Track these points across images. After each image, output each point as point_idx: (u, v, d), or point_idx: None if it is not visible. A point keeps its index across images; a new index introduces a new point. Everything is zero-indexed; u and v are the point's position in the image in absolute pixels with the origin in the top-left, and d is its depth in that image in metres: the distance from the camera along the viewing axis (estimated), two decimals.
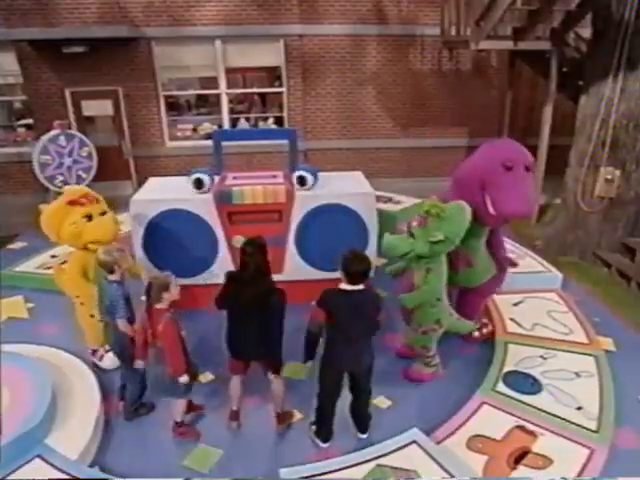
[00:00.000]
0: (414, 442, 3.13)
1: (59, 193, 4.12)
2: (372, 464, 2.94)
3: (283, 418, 3.60)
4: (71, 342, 4.40)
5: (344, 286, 3.07)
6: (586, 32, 7.08)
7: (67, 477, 2.91)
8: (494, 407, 3.57)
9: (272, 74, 10.09)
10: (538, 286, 5.25)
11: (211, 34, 9.39)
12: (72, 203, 4.00)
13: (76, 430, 3.38)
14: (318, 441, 3.40)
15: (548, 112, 7.42)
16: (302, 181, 4.87)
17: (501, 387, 3.78)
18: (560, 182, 7.07)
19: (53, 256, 5.97)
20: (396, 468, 2.92)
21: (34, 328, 4.77)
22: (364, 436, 3.45)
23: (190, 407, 3.61)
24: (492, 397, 3.67)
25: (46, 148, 8.03)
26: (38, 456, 3.10)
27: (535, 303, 5.00)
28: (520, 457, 3.17)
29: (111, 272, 3.46)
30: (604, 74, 6.16)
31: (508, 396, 3.68)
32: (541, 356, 4.17)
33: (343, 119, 10.25)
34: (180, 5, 9.21)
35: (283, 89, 9.93)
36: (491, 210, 3.73)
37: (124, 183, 9.66)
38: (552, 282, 5.35)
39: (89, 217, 4.00)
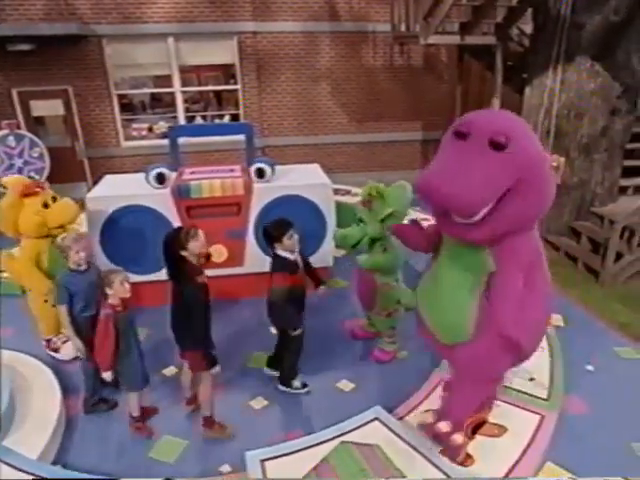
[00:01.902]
0: (376, 419, 3.21)
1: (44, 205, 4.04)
2: (336, 442, 3.00)
3: (209, 424, 3.39)
4: (28, 344, 4.28)
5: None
6: (529, 27, 7.40)
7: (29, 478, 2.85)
8: None
9: (226, 72, 10.01)
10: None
11: (163, 31, 9.25)
12: (27, 194, 3.94)
13: (36, 429, 3.29)
14: (305, 390, 3.77)
15: (496, 105, 7.70)
16: (260, 173, 4.90)
17: None
18: None
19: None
20: (360, 444, 2.99)
21: None
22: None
23: (145, 410, 3.55)
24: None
25: None
26: None
27: None
28: (477, 427, 3.31)
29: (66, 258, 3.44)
30: (545, 66, 6.44)
31: None
32: None
33: (299, 115, 10.29)
34: (131, 2, 9.02)
35: (238, 87, 9.89)
36: None
37: (79, 185, 9.38)
38: None
39: (45, 205, 3.98)
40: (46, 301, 3.99)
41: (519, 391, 3.62)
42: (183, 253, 3.05)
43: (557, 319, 4.68)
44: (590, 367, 4.03)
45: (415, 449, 2.98)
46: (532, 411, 3.43)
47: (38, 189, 4.04)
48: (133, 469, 3.11)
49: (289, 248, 3.49)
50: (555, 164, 6.42)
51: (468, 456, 3.07)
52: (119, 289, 3.10)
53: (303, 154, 10.20)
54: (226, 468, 3.09)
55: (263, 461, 2.89)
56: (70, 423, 3.54)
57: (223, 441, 3.34)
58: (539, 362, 3.95)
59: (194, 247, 3.07)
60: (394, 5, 8.38)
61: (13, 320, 4.62)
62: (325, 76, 10.06)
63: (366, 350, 4.34)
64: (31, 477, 2.85)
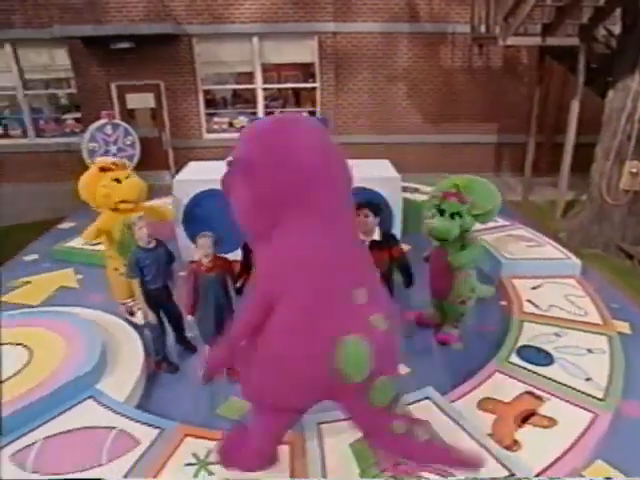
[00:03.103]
0: (427, 398, 3.41)
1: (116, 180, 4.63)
2: None
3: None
4: (116, 308, 4.86)
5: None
6: (617, 28, 7.20)
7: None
8: (506, 375, 3.80)
9: (305, 71, 10.46)
10: (557, 272, 5.43)
11: (249, 31, 9.84)
12: (103, 169, 4.53)
13: (123, 378, 3.80)
14: None
15: (575, 107, 7.54)
16: None
17: (514, 358, 4.00)
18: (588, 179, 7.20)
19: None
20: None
21: (83, 296, 5.25)
22: None
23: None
24: (505, 367, 3.89)
25: (94, 136, 8.63)
26: (90, 397, 3.53)
27: (553, 287, 5.17)
28: (527, 417, 3.41)
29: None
30: (632, 69, 6.28)
31: (520, 366, 3.91)
32: (555, 334, 4.36)
33: (374, 114, 10.54)
34: (220, 3, 9.68)
35: (317, 85, 10.30)
36: None
37: (163, 173, 10.19)
38: (571, 269, 5.50)
39: (118, 180, 4.51)
40: (116, 269, 4.58)
41: (573, 388, 3.66)
42: None
43: (623, 326, 4.62)
44: None
45: (463, 428, 3.15)
46: (585, 408, 3.46)
47: (113, 166, 4.61)
48: (201, 420, 3.50)
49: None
50: (635, 170, 6.32)
51: (515, 442, 3.20)
52: (197, 253, 3.61)
53: (375, 152, 10.33)
54: None
55: (319, 424, 3.18)
56: (149, 378, 4.04)
57: None
58: (598, 364, 3.96)
59: None
60: (474, 5, 8.42)
61: (104, 288, 5.25)
62: (402, 76, 10.24)
63: (423, 339, 4.54)
64: (118, 415, 3.34)
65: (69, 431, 3.22)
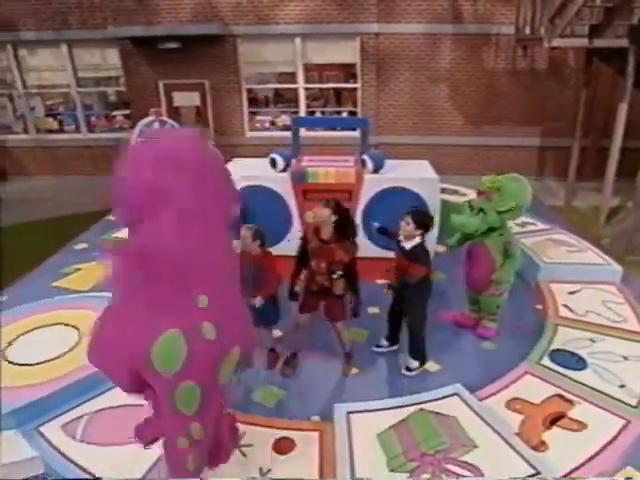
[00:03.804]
0: (456, 394, 3.49)
1: None
2: (416, 407, 3.33)
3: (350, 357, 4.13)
4: None
5: (420, 240, 3.74)
6: None
7: None
8: (537, 377, 3.82)
9: (347, 71, 10.58)
10: (596, 278, 5.36)
11: (292, 32, 10.03)
12: None
13: None
14: (424, 367, 4.09)
15: (622, 110, 7.37)
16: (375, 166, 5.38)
17: (546, 361, 4.02)
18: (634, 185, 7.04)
19: None
20: (437, 413, 3.29)
21: None
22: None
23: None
24: (536, 369, 3.92)
25: (142, 132, 8.99)
26: None
27: (591, 293, 5.12)
28: (555, 420, 3.43)
29: None
30: None
31: (552, 369, 3.91)
32: (590, 339, 4.34)
33: (415, 115, 10.56)
34: (266, 4, 9.92)
35: (358, 85, 10.40)
36: None
37: None
38: (611, 276, 5.42)
39: None
40: None
41: (606, 394, 3.65)
42: None
43: None
44: None
45: (490, 425, 3.21)
46: (617, 415, 3.46)
47: None
48: (236, 405, 3.65)
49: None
50: None
51: (542, 443, 3.23)
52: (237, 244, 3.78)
53: (415, 153, 10.35)
54: (316, 419, 3.56)
55: (349, 413, 3.31)
56: None
57: (315, 395, 3.82)
58: (633, 372, 3.92)
59: None
60: (520, 6, 8.34)
61: None
62: (444, 78, 10.22)
63: (455, 337, 4.60)
64: None
65: (114, 407, 3.46)
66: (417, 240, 3.74)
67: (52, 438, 3.18)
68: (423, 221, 3.73)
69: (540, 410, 3.50)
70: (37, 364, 3.73)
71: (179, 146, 2.31)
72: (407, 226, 3.72)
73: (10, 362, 3.80)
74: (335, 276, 3.69)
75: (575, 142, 8.93)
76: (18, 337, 4.13)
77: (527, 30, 8.19)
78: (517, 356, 4.13)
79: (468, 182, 7.85)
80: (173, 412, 2.40)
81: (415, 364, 4.07)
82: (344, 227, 3.63)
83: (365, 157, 5.40)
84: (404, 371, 4.07)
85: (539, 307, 5.00)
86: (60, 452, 3.08)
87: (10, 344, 4.05)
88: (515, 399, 3.59)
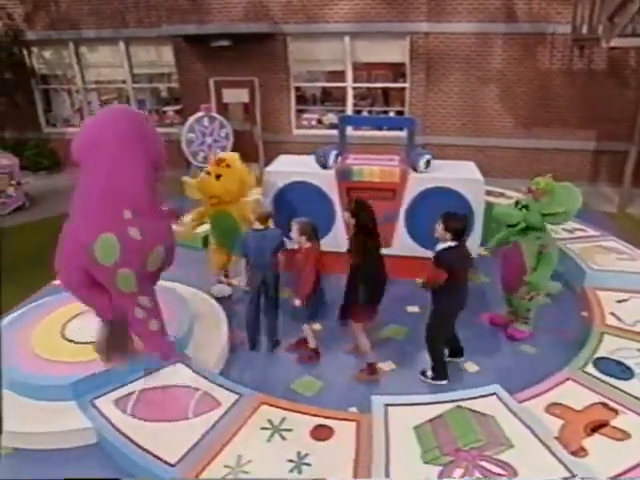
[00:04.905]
0: (494, 394, 3.52)
1: (200, 168, 5.14)
2: (453, 404, 3.39)
3: (372, 369, 4.09)
4: (204, 285, 5.40)
5: (450, 243, 3.71)
6: None
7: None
8: (579, 383, 3.79)
9: (396, 70, 10.60)
10: None
11: (342, 30, 10.15)
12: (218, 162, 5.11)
13: (209, 347, 4.26)
14: (441, 382, 4.00)
15: None
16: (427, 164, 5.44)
17: (590, 369, 3.97)
18: None
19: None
20: (474, 411, 3.34)
21: (174, 272, 5.80)
22: (463, 359, 4.19)
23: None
24: (579, 375, 3.88)
25: (192, 127, 9.34)
26: (180, 361, 3.99)
27: None
28: (597, 428, 3.40)
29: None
30: None
31: (595, 377, 3.86)
32: (638, 349, 4.26)
33: (464, 116, 10.47)
34: (315, 3, 10.08)
35: (406, 85, 10.41)
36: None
37: (252, 165, 10.76)
38: None
39: (217, 177, 4.99)
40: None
41: None
42: None
43: None
44: None
45: (527, 427, 3.23)
46: None
47: (213, 162, 5.13)
48: (276, 393, 3.84)
49: None
50: None
51: (582, 449, 3.22)
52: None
53: (463, 155, 10.32)
54: (353, 410, 3.68)
55: (387, 405, 3.40)
56: (233, 349, 4.49)
57: (352, 388, 3.94)
58: None
59: None
60: (577, 5, 8.15)
61: (193, 266, 5.82)
62: (495, 78, 10.09)
63: (496, 339, 4.62)
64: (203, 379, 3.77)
65: (161, 387, 3.68)
66: (447, 244, 3.75)
67: (105, 411, 3.43)
68: (451, 225, 3.70)
69: (582, 416, 3.47)
70: (92, 342, 3.99)
71: (111, 114, 3.62)
72: (437, 227, 3.78)
73: (68, 340, 4.10)
74: None
75: (633, 146, 8.65)
76: (75, 317, 4.43)
77: (584, 29, 7.99)
78: (558, 362, 4.11)
79: (516, 185, 7.76)
80: (118, 293, 3.50)
81: (430, 373, 4.07)
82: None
83: (428, 156, 5.46)
84: (419, 375, 4.11)
85: (584, 314, 4.94)
86: (112, 424, 3.31)
87: (67, 323, 4.36)
88: (555, 404, 3.57)
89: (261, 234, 4.24)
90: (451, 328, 4.03)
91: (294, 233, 3.97)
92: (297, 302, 3.99)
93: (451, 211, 3.81)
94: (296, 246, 4.09)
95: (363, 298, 3.87)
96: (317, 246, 4.07)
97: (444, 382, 4.00)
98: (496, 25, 9.65)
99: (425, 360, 4.10)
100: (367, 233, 3.85)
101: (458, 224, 3.71)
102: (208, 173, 5.06)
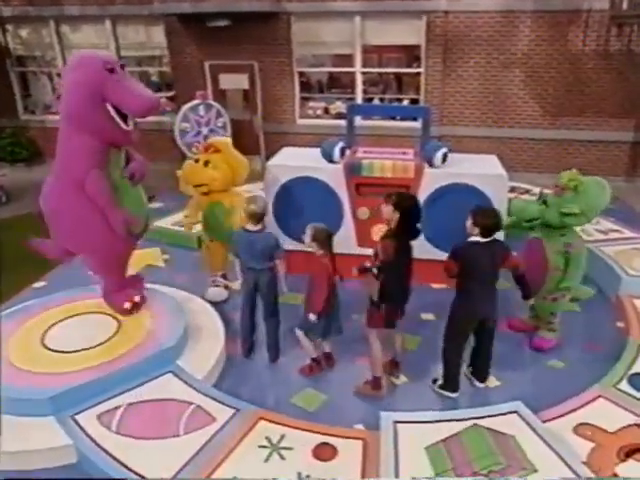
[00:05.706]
0: (516, 412, 3.52)
1: (195, 161, 5.20)
2: (470, 422, 3.40)
3: (377, 384, 4.08)
4: (199, 289, 5.43)
5: (475, 238, 3.75)
6: None
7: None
8: (612, 402, 3.78)
9: (410, 54, 10.58)
10: None
11: (352, 9, 10.15)
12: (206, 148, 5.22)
13: (203, 357, 4.30)
14: (448, 393, 4.01)
15: None
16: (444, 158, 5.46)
17: (624, 386, 3.96)
18: None
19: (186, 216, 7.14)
20: (493, 430, 3.34)
21: (169, 275, 5.89)
22: (483, 385, 4.10)
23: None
24: (611, 393, 3.87)
25: (186, 116, 9.37)
26: (170, 372, 4.03)
27: None
28: (632, 452, 3.39)
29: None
30: None
31: (631, 395, 3.85)
32: None
33: (485, 104, 10.44)
34: None
35: (421, 70, 10.39)
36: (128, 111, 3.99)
37: (252, 158, 10.80)
38: None
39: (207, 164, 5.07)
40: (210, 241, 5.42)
41: None
42: None
43: None
44: None
45: (553, 449, 3.23)
46: None
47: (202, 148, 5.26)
48: (275, 407, 3.88)
49: None
50: None
51: (614, 475, 3.22)
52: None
53: (485, 147, 10.29)
54: (359, 427, 3.69)
55: (396, 422, 3.42)
56: (229, 359, 4.51)
57: (359, 402, 3.97)
58: None
59: None
60: None
61: (188, 269, 5.95)
62: (520, 62, 10.05)
63: (519, 351, 4.62)
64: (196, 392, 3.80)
65: (150, 401, 3.72)
66: (472, 238, 3.81)
67: (87, 427, 3.46)
68: (479, 220, 3.74)
69: (615, 439, 3.45)
70: (75, 352, 4.03)
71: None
72: (467, 221, 3.83)
73: (48, 348, 4.14)
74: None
75: None
76: (57, 323, 4.47)
77: (625, 4, 7.90)
78: (588, 377, 4.10)
79: (543, 181, 7.75)
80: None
81: (440, 381, 4.10)
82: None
83: (445, 150, 5.46)
84: (430, 383, 4.16)
85: (619, 324, 4.93)
86: (94, 442, 3.35)
87: (48, 330, 4.40)
88: (585, 424, 3.57)
89: (252, 237, 4.20)
90: (465, 337, 3.99)
91: (306, 237, 3.96)
92: (312, 317, 3.99)
93: (476, 208, 3.85)
94: (309, 249, 4.06)
95: (382, 300, 3.85)
96: (329, 254, 4.04)
97: (452, 395, 4.01)
98: (523, 2, 9.59)
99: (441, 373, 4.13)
100: (407, 230, 3.88)
101: (487, 220, 3.75)
102: (196, 161, 5.11)
